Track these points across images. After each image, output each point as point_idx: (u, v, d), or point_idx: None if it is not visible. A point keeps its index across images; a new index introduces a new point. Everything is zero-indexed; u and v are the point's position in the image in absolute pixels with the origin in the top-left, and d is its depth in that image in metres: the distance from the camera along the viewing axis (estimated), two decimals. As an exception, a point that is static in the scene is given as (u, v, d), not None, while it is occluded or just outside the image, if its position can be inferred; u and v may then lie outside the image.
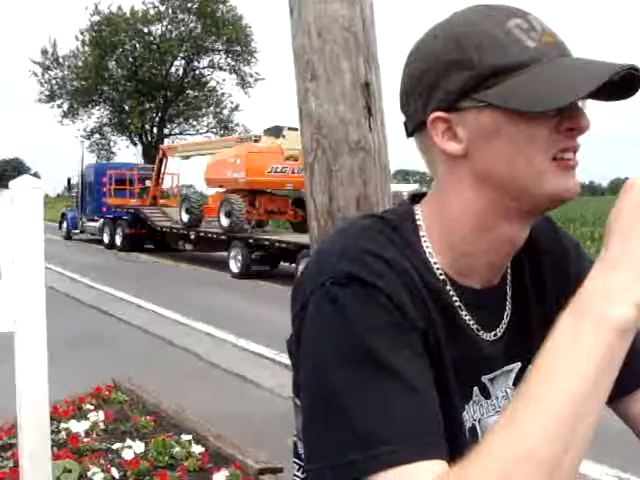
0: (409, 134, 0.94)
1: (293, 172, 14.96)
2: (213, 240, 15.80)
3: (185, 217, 16.70)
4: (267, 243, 13.96)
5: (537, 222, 0.93)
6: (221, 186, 16.35)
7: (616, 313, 0.69)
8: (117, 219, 20.35)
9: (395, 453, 0.72)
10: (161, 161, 19.71)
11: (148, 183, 20.56)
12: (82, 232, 23.62)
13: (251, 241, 14.27)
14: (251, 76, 37.84)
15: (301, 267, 11.86)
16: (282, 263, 14.29)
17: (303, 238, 12.99)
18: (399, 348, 0.78)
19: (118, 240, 20.07)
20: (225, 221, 14.93)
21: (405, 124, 0.94)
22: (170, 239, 18.57)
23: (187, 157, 19.58)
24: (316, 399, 0.79)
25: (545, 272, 1.00)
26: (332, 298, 0.80)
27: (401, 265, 0.83)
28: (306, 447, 0.81)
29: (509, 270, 0.97)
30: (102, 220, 21.41)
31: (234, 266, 14.41)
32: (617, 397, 0.92)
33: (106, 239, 20.86)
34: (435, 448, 0.74)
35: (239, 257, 14.37)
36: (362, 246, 0.84)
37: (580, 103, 0.84)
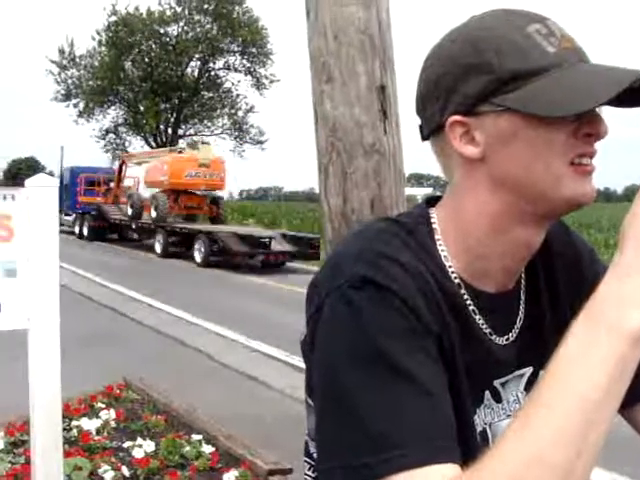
0: (425, 137, 0.94)
1: (205, 176, 19.85)
2: (148, 229, 20.32)
3: (130, 211, 21.25)
4: (178, 230, 18.65)
5: (551, 226, 0.93)
6: (154, 187, 20.85)
7: (630, 321, 0.68)
8: (85, 214, 24.42)
9: (406, 457, 0.72)
10: (121, 166, 24.15)
11: (112, 185, 24.62)
12: (61, 225, 27.86)
13: (168, 229, 18.84)
14: (266, 78, 37.88)
15: (200, 249, 16.82)
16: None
17: (203, 227, 18.45)
18: (413, 351, 0.78)
19: (85, 231, 24.17)
20: (154, 214, 19.58)
21: (421, 127, 0.94)
22: (123, 230, 23.01)
23: (139, 164, 23.36)
24: (329, 400, 0.79)
25: (558, 274, 1.00)
26: (347, 301, 0.80)
27: (416, 269, 0.84)
28: (318, 448, 0.81)
29: (523, 275, 0.97)
30: (74, 215, 25.52)
31: (158, 248, 18.92)
32: (628, 405, 0.92)
33: (76, 230, 24.84)
34: (447, 451, 0.74)
35: (161, 241, 18.89)
36: (377, 249, 0.84)
37: (597, 109, 0.84)
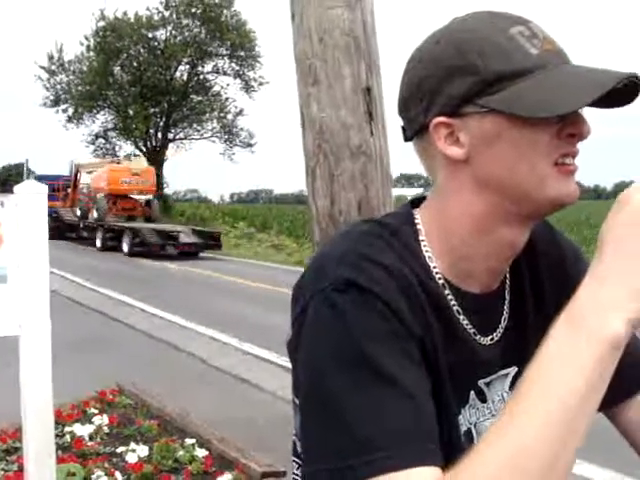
0: (408, 138, 0.94)
1: (137, 183, 23.67)
2: (91, 227, 23.68)
3: (78, 213, 25.25)
4: (113, 227, 22.14)
5: (535, 226, 0.93)
6: (98, 192, 24.28)
7: (608, 329, 0.70)
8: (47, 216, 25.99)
9: (389, 459, 0.72)
10: (76, 174, 27.16)
11: (69, 190, 27.83)
12: None
13: (106, 226, 22.41)
14: (255, 80, 37.79)
15: (127, 242, 20.62)
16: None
17: (128, 224, 21.98)
18: (396, 355, 0.78)
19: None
20: (95, 215, 23.52)
21: (403, 129, 0.94)
22: (76, 230, 25.92)
23: (90, 172, 26.42)
24: (313, 402, 0.79)
25: (542, 274, 1.00)
26: (331, 304, 0.80)
27: (399, 270, 0.84)
28: (303, 449, 0.82)
29: (508, 275, 0.97)
30: None
31: (98, 243, 22.30)
32: (610, 404, 0.93)
33: None
34: (429, 455, 0.74)
35: (100, 237, 22.32)
36: (360, 251, 0.84)
37: (579, 109, 0.84)
